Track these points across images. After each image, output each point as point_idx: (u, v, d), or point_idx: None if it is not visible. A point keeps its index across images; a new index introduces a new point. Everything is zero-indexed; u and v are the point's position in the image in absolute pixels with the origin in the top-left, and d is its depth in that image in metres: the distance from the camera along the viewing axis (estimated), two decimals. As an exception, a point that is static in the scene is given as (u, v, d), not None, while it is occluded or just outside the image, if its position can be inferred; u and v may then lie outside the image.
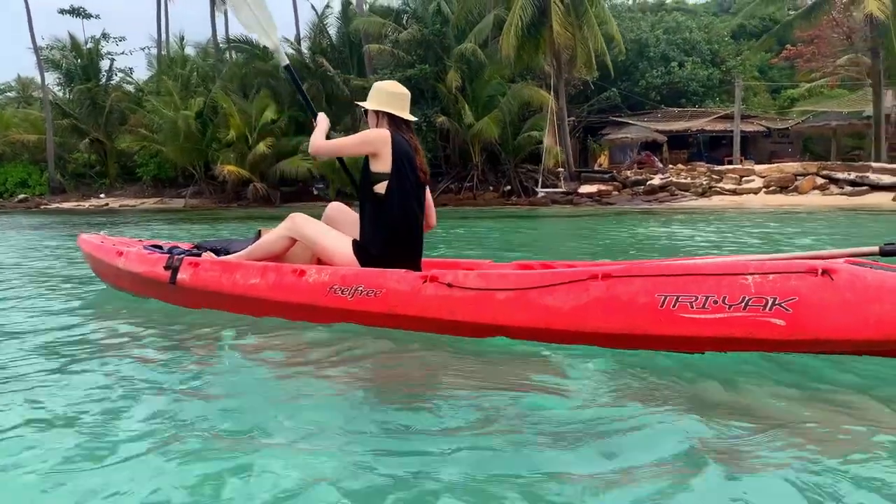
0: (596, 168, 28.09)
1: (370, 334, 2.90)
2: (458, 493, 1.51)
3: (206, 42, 35.57)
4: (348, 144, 3.34)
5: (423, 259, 3.45)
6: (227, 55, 33.85)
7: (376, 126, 3.31)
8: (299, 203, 27.06)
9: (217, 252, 4.00)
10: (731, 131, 26.35)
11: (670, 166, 24.64)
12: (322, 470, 1.64)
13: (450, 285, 2.74)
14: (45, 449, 1.80)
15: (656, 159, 26.19)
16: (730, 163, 25.08)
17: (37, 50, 35.23)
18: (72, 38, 35.46)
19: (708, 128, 28.07)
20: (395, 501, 1.49)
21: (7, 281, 5.51)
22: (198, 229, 13.85)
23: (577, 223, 14.08)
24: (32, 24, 35.50)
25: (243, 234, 7.86)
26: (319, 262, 3.55)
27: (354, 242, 3.29)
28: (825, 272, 2.25)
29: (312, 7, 30.87)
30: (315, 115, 3.58)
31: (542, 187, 23.67)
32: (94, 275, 4.90)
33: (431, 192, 3.51)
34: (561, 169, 24.00)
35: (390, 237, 3.23)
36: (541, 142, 23.57)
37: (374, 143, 3.18)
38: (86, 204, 31.73)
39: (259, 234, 3.81)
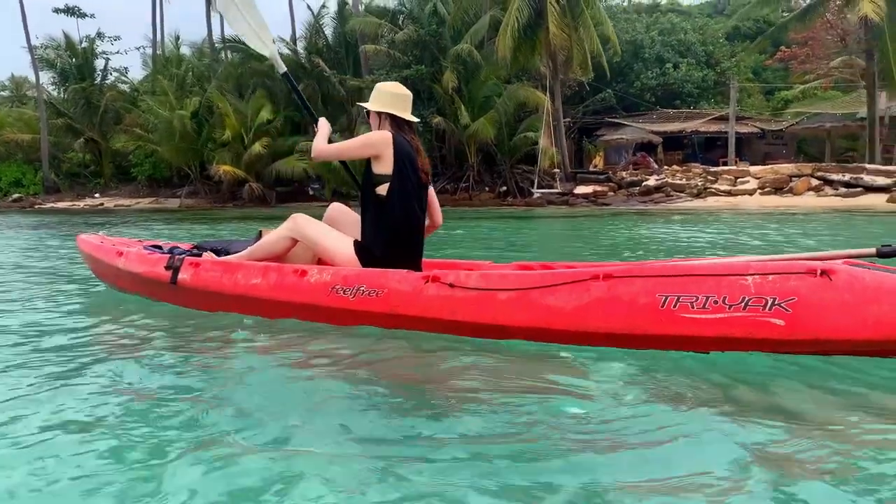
0: (591, 169, 28.14)
1: (372, 334, 2.91)
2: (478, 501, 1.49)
3: (202, 42, 35.51)
4: (350, 148, 3.35)
5: (423, 259, 3.46)
6: (223, 55, 33.79)
7: (378, 127, 3.33)
8: (295, 203, 27.03)
9: (217, 252, 4.01)
10: (726, 133, 26.44)
11: (665, 167, 24.71)
12: (330, 474, 1.62)
13: (451, 285, 2.76)
14: (45, 450, 1.80)
15: (651, 160, 26.26)
16: (725, 164, 25.18)
17: (31, 49, 35.08)
18: (66, 37, 35.31)
19: (702, 129, 28.15)
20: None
21: (6, 283, 5.49)
22: (196, 229, 13.82)
23: (575, 224, 14.10)
24: (27, 23, 35.38)
25: (241, 235, 7.84)
26: (320, 262, 3.57)
27: (356, 243, 3.30)
28: (824, 273, 2.28)
29: (308, 7, 31.02)
30: (316, 121, 3.58)
31: (538, 188, 23.71)
32: (93, 275, 4.89)
33: None
34: (556, 170, 24.05)
35: (392, 238, 3.24)
36: (536, 143, 23.62)
37: (376, 145, 3.20)
38: (80, 204, 31.61)
39: (260, 235, 3.82)
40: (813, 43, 28.75)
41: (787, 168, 21.88)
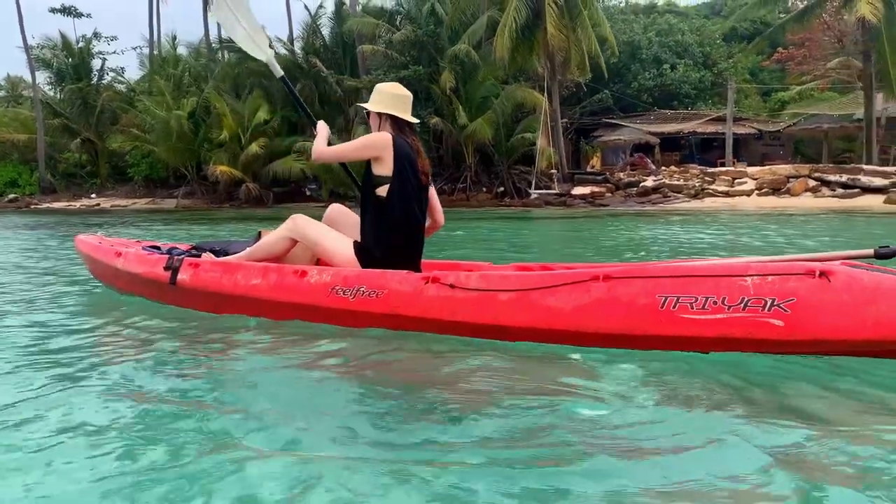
0: (588, 170, 28.19)
1: (374, 335, 2.91)
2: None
3: (199, 42, 35.45)
4: (350, 150, 3.35)
5: (422, 260, 3.47)
6: (220, 55, 33.75)
7: (378, 128, 3.34)
8: (292, 203, 27.00)
9: (216, 253, 4.01)
10: (723, 133, 26.50)
11: (663, 168, 24.76)
12: (342, 479, 1.60)
13: (452, 286, 2.76)
14: (49, 454, 1.79)
15: (649, 161, 26.30)
16: (722, 165, 25.24)
17: (27, 49, 35.02)
18: (63, 37, 35.26)
19: (700, 130, 28.20)
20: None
21: (3, 283, 5.48)
22: (195, 230, 13.79)
23: (574, 225, 14.12)
24: (23, 22, 35.33)
25: (240, 235, 7.83)
26: (319, 263, 3.57)
27: (355, 244, 3.31)
28: (823, 274, 2.29)
29: (305, 7, 31.04)
30: (314, 124, 3.60)
31: (536, 189, 23.73)
32: (91, 275, 4.89)
33: None
34: (554, 171, 24.08)
35: (392, 240, 3.25)
36: (534, 143, 23.64)
37: (376, 147, 3.21)
38: (77, 204, 31.56)
39: (259, 236, 3.82)
40: (810, 44, 28.84)
41: (784, 169, 21.95)
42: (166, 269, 3.68)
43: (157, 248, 4.40)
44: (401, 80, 21.53)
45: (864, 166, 20.79)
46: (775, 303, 2.29)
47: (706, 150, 29.10)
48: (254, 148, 27.07)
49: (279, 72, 4.14)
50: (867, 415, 1.97)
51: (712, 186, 21.91)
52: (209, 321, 3.39)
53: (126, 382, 2.47)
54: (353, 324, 3.01)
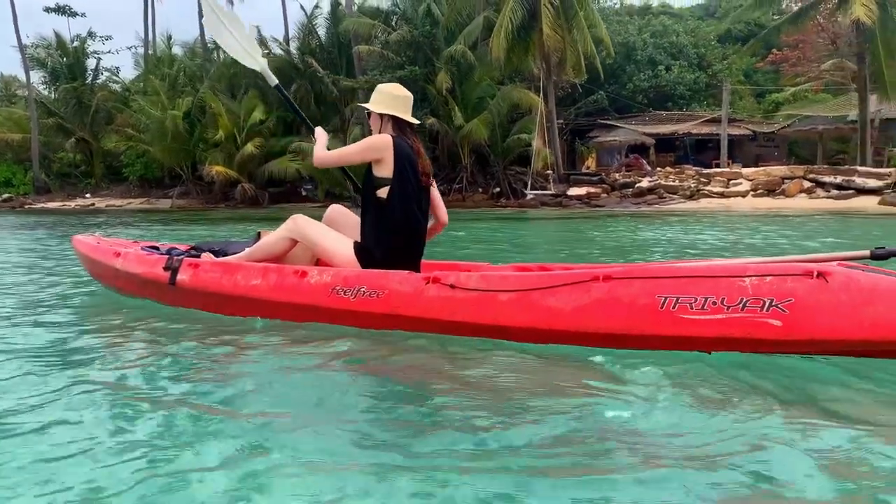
0: (584, 170, 28.23)
1: (375, 335, 2.92)
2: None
3: (194, 41, 35.39)
4: (351, 153, 3.36)
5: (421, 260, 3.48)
6: (215, 55, 33.65)
7: (380, 128, 3.35)
8: (287, 204, 26.99)
9: (215, 253, 4.00)
10: (718, 135, 26.57)
11: (658, 169, 24.82)
12: (346, 484, 1.59)
13: (452, 286, 2.78)
14: (43, 456, 1.78)
15: (644, 162, 26.36)
16: (717, 166, 25.31)
17: (22, 48, 34.91)
18: (57, 36, 35.18)
19: (694, 131, 28.27)
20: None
21: (1, 285, 5.46)
22: (193, 230, 13.77)
23: (572, 226, 14.13)
24: (17, 22, 35.24)
25: (237, 236, 7.82)
26: (319, 263, 3.58)
27: (356, 244, 3.32)
28: (820, 275, 2.32)
29: (301, 7, 30.84)
30: (312, 130, 3.64)
31: (532, 189, 23.75)
32: (89, 276, 4.87)
33: None
34: (550, 171, 24.10)
35: (392, 241, 3.26)
36: (530, 144, 23.66)
37: (377, 148, 3.22)
38: (71, 204, 31.46)
39: (259, 236, 3.82)
40: (804, 46, 28.95)
41: (779, 170, 22.03)
42: (166, 269, 3.67)
43: (156, 248, 4.39)
44: (397, 81, 21.44)
45: (859, 167, 20.87)
46: (774, 303, 2.31)
47: (701, 152, 29.17)
48: (249, 148, 27.04)
49: (273, 80, 4.18)
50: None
51: (707, 187, 21.98)
52: (209, 322, 3.39)
53: (125, 384, 2.46)
54: (354, 324, 3.02)
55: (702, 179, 22.51)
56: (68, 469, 1.71)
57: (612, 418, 1.98)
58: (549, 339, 2.64)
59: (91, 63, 35.83)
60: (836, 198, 19.40)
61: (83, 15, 40.72)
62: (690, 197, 21.65)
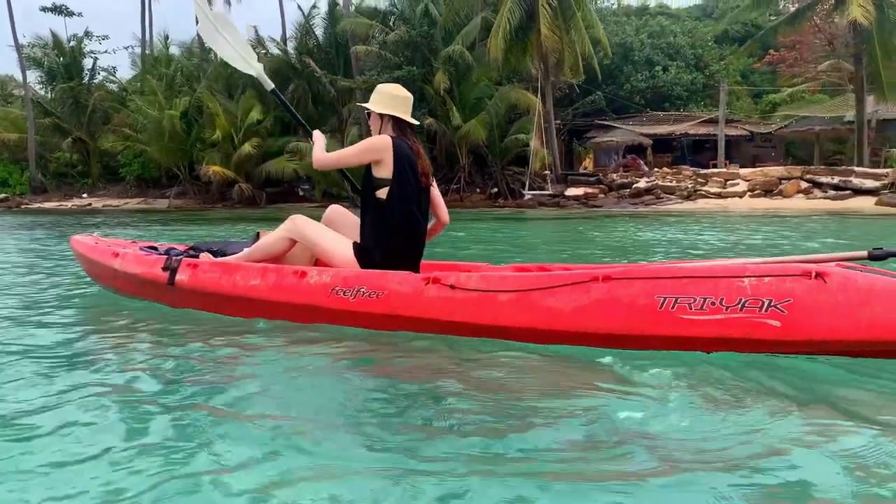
0: (581, 171, 28.27)
1: (377, 336, 2.92)
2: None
3: (191, 41, 35.30)
4: (351, 155, 3.35)
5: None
6: (212, 55, 33.56)
7: (380, 129, 3.35)
8: (285, 204, 26.98)
9: (214, 253, 4.00)
10: (715, 135, 26.63)
11: (655, 170, 24.87)
12: (358, 489, 1.57)
13: (452, 287, 2.78)
14: (43, 460, 1.77)
15: (642, 163, 26.40)
16: (714, 166, 25.36)
17: (18, 48, 34.81)
18: (54, 36, 35.09)
19: (691, 132, 28.32)
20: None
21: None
22: (191, 231, 13.75)
23: (571, 226, 14.15)
24: (14, 21, 35.12)
25: (235, 236, 7.80)
26: (318, 263, 3.59)
27: (355, 245, 3.32)
28: (818, 275, 2.33)
29: (299, 7, 30.97)
30: (310, 134, 3.64)
31: (529, 190, 23.78)
32: (87, 276, 4.87)
33: None
34: (547, 172, 24.12)
35: (392, 242, 3.26)
36: (527, 144, 23.68)
37: (377, 150, 3.22)
38: (68, 204, 31.40)
39: (258, 236, 3.82)
40: (801, 47, 29.03)
41: (776, 170, 22.09)
42: (164, 269, 3.67)
43: (155, 248, 4.39)
44: (395, 81, 21.40)
45: (856, 168, 20.94)
46: (772, 303, 2.32)
47: (698, 152, 29.23)
48: (247, 148, 27.01)
49: (270, 85, 4.21)
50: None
51: (705, 188, 22.02)
52: (208, 322, 3.38)
53: (125, 386, 2.44)
54: (354, 324, 3.02)
55: (699, 180, 22.55)
56: (69, 472, 1.70)
57: (625, 420, 1.96)
58: (548, 339, 2.65)
59: (88, 63, 35.79)
60: (834, 198, 19.47)
61: (80, 15, 40.71)
62: (688, 197, 21.70)
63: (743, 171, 23.02)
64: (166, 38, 35.39)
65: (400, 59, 25.46)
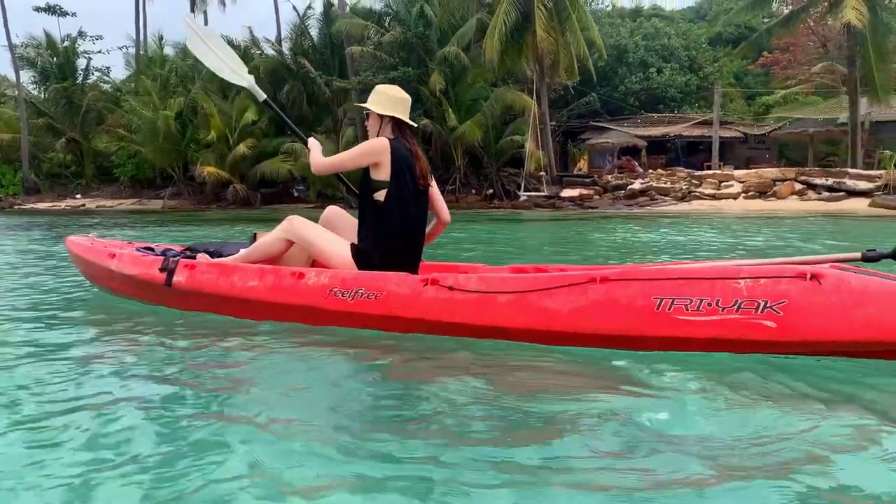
0: (576, 172, 28.33)
1: (378, 337, 2.93)
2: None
3: (185, 42, 35.18)
4: (349, 159, 3.35)
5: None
6: (207, 55, 33.46)
7: (379, 130, 3.36)
8: (280, 205, 26.97)
9: (211, 254, 4.00)
10: (709, 137, 26.72)
11: (650, 171, 24.94)
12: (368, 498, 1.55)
13: (451, 288, 2.80)
14: (40, 461, 1.76)
15: (636, 164, 26.48)
16: (708, 168, 25.45)
17: (11, 48, 34.68)
18: (47, 35, 35.01)
19: (685, 133, 28.43)
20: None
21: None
22: (189, 231, 13.71)
23: (566, 227, 14.18)
24: (7, 21, 34.99)
25: (235, 237, 7.78)
26: (314, 264, 3.59)
27: (352, 246, 3.32)
28: (813, 277, 2.35)
29: (294, 8, 30.93)
30: (305, 142, 3.66)
31: (525, 191, 23.81)
32: (83, 277, 4.85)
33: None
34: (543, 173, 24.16)
35: (390, 244, 3.27)
36: (523, 146, 23.72)
37: (375, 153, 3.23)
38: (62, 204, 31.27)
39: (255, 237, 3.83)
40: (794, 49, 29.16)
41: (770, 172, 22.20)
42: (162, 270, 3.65)
43: (151, 249, 4.38)
44: (390, 82, 21.42)
45: (850, 170, 21.04)
46: (768, 305, 2.35)
47: (692, 154, 29.33)
48: (241, 149, 26.97)
49: (262, 95, 4.24)
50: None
51: (699, 189, 22.10)
52: (205, 324, 3.37)
53: (122, 389, 2.41)
54: (352, 325, 3.03)
55: (693, 181, 22.63)
56: (69, 474, 1.69)
57: (648, 423, 1.93)
58: (547, 340, 2.66)
59: (81, 63, 35.77)
60: (828, 200, 19.58)
61: (73, 14, 40.58)
62: (682, 199, 21.77)
63: (737, 172, 23.11)
64: (160, 38, 35.29)
65: (395, 59, 25.47)
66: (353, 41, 26.81)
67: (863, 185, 19.65)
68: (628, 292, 2.52)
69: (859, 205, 18.51)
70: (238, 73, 4.31)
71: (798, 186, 20.71)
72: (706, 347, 2.44)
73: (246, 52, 30.54)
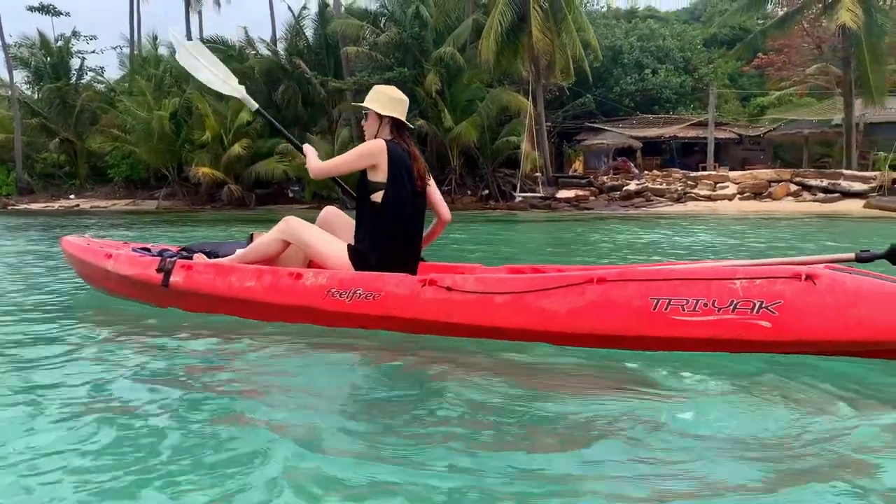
0: (571, 173, 28.36)
1: (375, 338, 2.93)
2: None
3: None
4: (347, 162, 3.35)
5: None
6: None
7: (377, 130, 3.36)
8: (275, 205, 26.91)
9: (207, 255, 4.00)
10: (704, 138, 26.80)
11: (646, 172, 25.00)
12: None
13: (449, 289, 2.81)
14: (41, 461, 1.76)
15: (632, 165, 26.54)
16: (703, 169, 25.51)
17: (5, 47, 34.53)
18: (41, 35, 34.85)
19: (680, 134, 28.49)
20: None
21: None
22: (186, 231, 13.68)
23: (564, 228, 14.20)
24: (0, 20, 34.86)
25: (230, 237, 7.77)
26: (311, 265, 3.59)
27: (349, 247, 3.33)
28: (808, 277, 2.38)
29: (289, 8, 30.83)
30: (300, 148, 3.68)
31: (521, 192, 23.84)
32: (79, 278, 4.84)
33: None
34: (538, 174, 24.20)
35: (388, 245, 3.28)
36: (518, 146, 23.74)
37: (372, 155, 3.24)
38: (55, 205, 31.14)
39: (251, 238, 3.83)
40: (789, 50, 29.28)
41: (766, 173, 22.27)
42: (159, 271, 3.66)
43: (148, 249, 4.38)
44: (385, 82, 21.28)
45: (844, 171, 21.13)
46: (763, 305, 2.37)
47: (687, 155, 29.40)
48: (236, 149, 26.90)
49: (254, 105, 4.27)
50: None
51: (694, 191, 22.15)
52: (204, 325, 3.36)
53: (121, 390, 2.41)
54: (349, 326, 3.04)
55: (689, 182, 22.69)
56: (68, 477, 1.69)
57: (673, 425, 1.92)
58: (544, 340, 2.68)
59: (75, 63, 35.58)
60: (823, 201, 19.66)
61: (67, 14, 40.39)
62: (678, 200, 21.82)
63: (732, 173, 23.18)
64: (155, 38, 35.12)
65: (391, 60, 25.46)
66: (348, 41, 26.79)
67: (858, 186, 19.75)
68: (625, 293, 2.54)
69: (854, 206, 18.59)
70: (228, 84, 4.34)
71: (793, 188, 20.79)
72: (702, 347, 2.46)
73: (241, 53, 30.51)
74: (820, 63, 27.82)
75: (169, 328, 3.36)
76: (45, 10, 37.68)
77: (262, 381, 2.53)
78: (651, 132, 28.32)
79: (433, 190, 3.50)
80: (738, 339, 2.39)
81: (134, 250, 4.25)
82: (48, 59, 34.66)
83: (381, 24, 27.42)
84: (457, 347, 2.76)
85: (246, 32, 31.36)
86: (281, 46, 31.10)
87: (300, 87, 28.17)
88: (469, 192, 26.33)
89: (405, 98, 3.41)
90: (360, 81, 24.64)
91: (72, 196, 32.99)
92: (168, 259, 3.72)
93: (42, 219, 20.60)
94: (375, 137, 3.35)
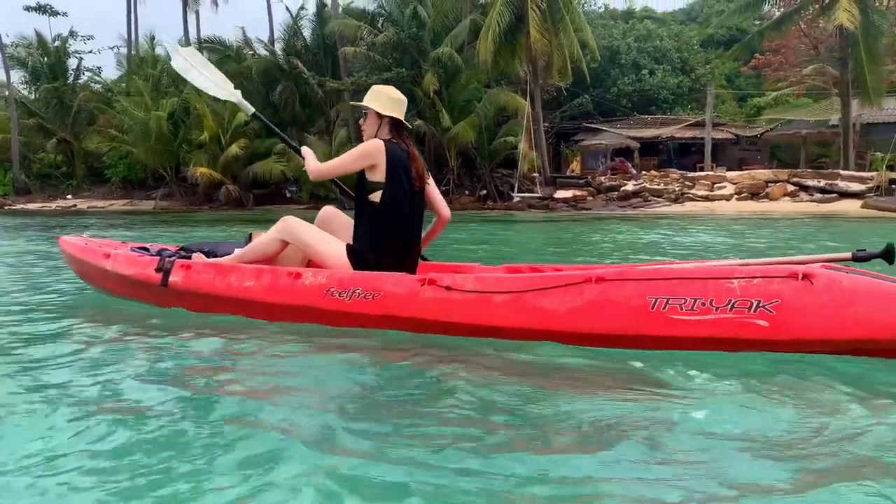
0: (569, 174, 28.38)
1: (374, 337, 2.94)
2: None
3: (178, 42, 35.09)
4: (346, 162, 3.35)
5: None
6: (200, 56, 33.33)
7: (377, 130, 3.37)
8: (272, 206, 26.89)
9: (206, 254, 4.00)
10: (701, 138, 26.84)
11: (643, 172, 25.02)
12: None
13: (448, 288, 2.82)
14: (39, 462, 1.75)
15: (629, 165, 26.57)
16: (701, 169, 25.55)
17: (2, 47, 34.48)
18: (38, 35, 34.81)
19: (678, 135, 28.53)
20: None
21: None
22: (184, 231, 13.65)
23: (562, 228, 14.21)
24: (-2, 20, 34.84)
25: (229, 237, 7.76)
26: (310, 265, 3.60)
27: (348, 247, 3.34)
28: (805, 276, 2.39)
29: (287, 8, 30.85)
30: (299, 151, 3.68)
31: (518, 192, 23.85)
32: (77, 278, 4.84)
33: None
34: (536, 174, 24.21)
35: (386, 245, 3.29)
36: (516, 147, 23.76)
37: (371, 155, 3.25)
38: (52, 205, 31.08)
39: (250, 237, 3.84)
40: (786, 51, 29.33)
41: (763, 174, 22.31)
42: (157, 270, 3.66)
43: (146, 249, 4.37)
44: (384, 83, 21.22)
45: (842, 171, 21.17)
46: (761, 304, 2.38)
47: (684, 155, 29.43)
48: (234, 149, 26.88)
49: (250, 109, 4.28)
50: None
51: (692, 191, 22.18)
52: (203, 324, 3.36)
53: (129, 390, 2.41)
54: (348, 325, 3.04)
55: (686, 183, 22.72)
56: (80, 478, 1.68)
57: (685, 424, 1.91)
58: (543, 339, 2.68)
59: (72, 63, 35.57)
60: (820, 201, 19.71)
61: (64, 14, 40.33)
62: (675, 200, 21.85)
63: (730, 174, 23.22)
64: (152, 38, 35.08)
65: (389, 60, 25.45)
66: (346, 42, 26.78)
67: (855, 186, 19.79)
68: (623, 292, 2.55)
69: (851, 206, 18.63)
70: (224, 89, 4.36)
71: (790, 188, 20.83)
72: (700, 346, 2.47)
73: (238, 53, 30.49)
74: (817, 64, 27.87)
75: (172, 328, 3.36)
76: (42, 9, 37.65)
77: (267, 381, 2.53)
78: (648, 132, 28.36)
79: (432, 189, 3.50)
80: (736, 338, 2.41)
81: (132, 250, 4.25)
82: (45, 59, 34.62)
83: (379, 25, 27.42)
84: (460, 346, 2.77)
85: (243, 32, 31.38)
86: (278, 47, 31.08)
87: (298, 88, 28.16)
88: (467, 193, 26.34)
89: (404, 98, 3.43)
90: (357, 82, 24.63)
91: (69, 196, 32.95)
92: (167, 259, 3.73)
93: (39, 219, 20.56)
94: (375, 137, 3.35)
